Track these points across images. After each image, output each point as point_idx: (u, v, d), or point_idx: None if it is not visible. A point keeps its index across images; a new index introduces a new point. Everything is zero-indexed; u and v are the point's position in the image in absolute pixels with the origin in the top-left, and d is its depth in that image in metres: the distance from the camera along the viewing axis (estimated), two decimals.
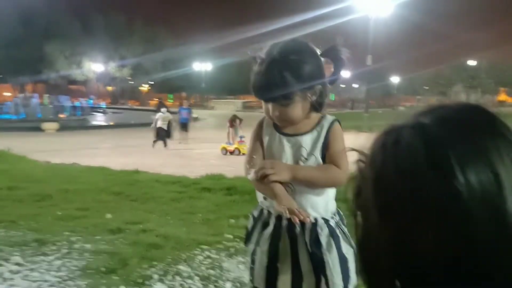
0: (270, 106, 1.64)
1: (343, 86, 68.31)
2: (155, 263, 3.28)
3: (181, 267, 3.23)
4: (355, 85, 69.76)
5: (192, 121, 15.93)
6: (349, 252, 1.71)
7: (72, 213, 4.78)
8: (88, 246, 3.66)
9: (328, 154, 1.69)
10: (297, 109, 1.66)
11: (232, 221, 4.50)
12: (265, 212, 1.76)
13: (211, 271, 3.16)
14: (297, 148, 1.70)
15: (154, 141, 12.76)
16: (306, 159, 1.69)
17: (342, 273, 1.67)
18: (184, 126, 14.63)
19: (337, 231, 1.73)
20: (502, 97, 70.67)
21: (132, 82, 54.64)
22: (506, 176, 0.50)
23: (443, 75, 66.49)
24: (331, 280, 1.64)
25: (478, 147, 0.51)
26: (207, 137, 16.03)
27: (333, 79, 1.70)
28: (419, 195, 0.52)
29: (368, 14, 22.76)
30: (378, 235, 0.57)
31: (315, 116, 1.74)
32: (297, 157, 1.69)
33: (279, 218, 1.72)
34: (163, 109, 13.38)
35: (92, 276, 3.06)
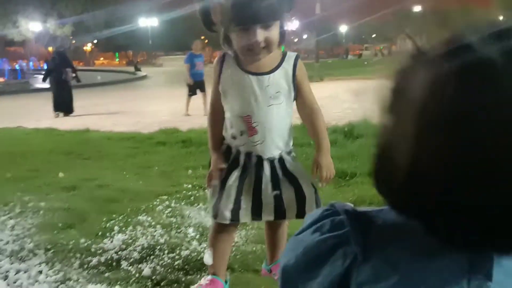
0: (253, 31, 1.62)
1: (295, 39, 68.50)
2: (114, 216, 3.25)
3: (141, 217, 3.21)
4: (304, 36, 69.86)
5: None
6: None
7: (22, 174, 4.60)
8: (42, 204, 3.55)
9: (302, 95, 1.80)
10: (277, 33, 1.68)
11: (190, 171, 4.49)
12: (234, 150, 1.85)
13: (172, 219, 3.16)
14: (265, 87, 1.73)
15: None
16: (275, 97, 1.74)
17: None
18: (198, 85, 9.16)
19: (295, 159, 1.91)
20: None
21: (74, 42, 51.68)
22: None
23: (389, 22, 67.49)
24: (307, 191, 1.86)
25: None
26: (157, 95, 15.64)
27: (291, 6, 1.71)
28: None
29: None
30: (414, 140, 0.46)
31: (277, 52, 1.78)
32: (266, 96, 1.75)
33: (248, 155, 1.83)
34: None
35: (49, 232, 2.99)
